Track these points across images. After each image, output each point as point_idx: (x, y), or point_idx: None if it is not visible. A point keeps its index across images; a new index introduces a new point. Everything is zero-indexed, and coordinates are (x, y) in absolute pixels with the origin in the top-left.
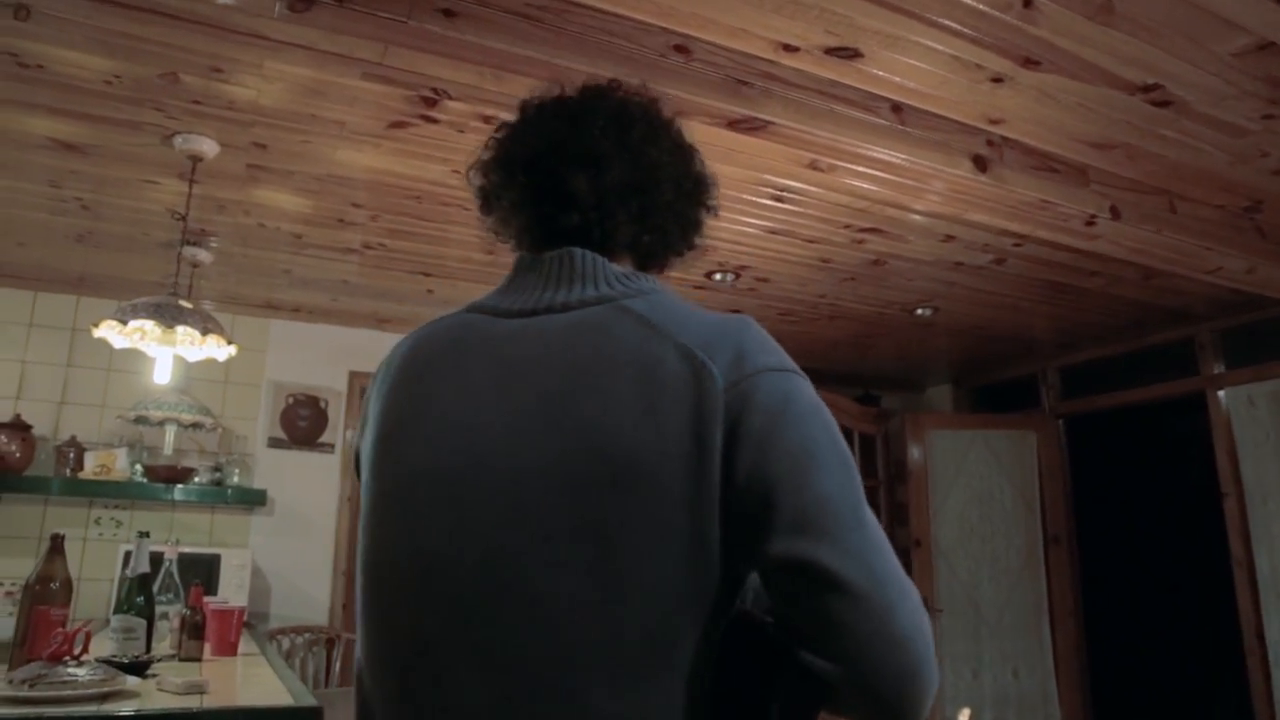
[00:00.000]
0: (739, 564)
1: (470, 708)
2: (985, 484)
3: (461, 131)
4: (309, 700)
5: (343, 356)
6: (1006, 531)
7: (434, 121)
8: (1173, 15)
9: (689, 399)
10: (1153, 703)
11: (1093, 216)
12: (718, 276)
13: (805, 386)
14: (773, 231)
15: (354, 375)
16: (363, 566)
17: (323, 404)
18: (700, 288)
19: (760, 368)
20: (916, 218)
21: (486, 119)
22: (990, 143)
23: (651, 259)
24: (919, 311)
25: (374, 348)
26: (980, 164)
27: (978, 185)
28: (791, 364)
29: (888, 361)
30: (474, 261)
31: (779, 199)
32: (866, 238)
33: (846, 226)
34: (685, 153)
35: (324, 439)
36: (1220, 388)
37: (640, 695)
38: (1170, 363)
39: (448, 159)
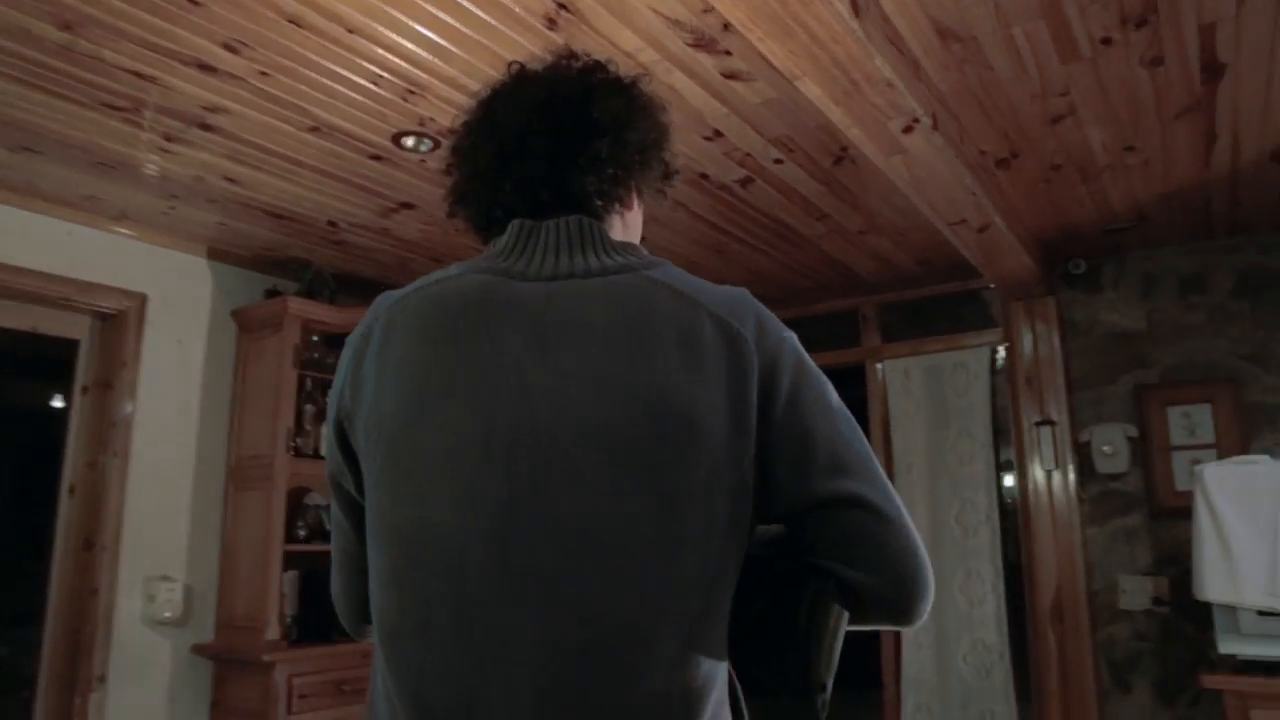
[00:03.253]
0: (774, 504)
1: (554, 666)
2: None
3: None
4: None
5: None
6: None
7: None
8: None
9: (727, 359)
10: None
11: (915, 121)
12: (409, 142)
13: (801, 346)
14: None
15: None
16: (399, 532)
17: None
18: (377, 157)
19: (781, 333)
20: (688, 84)
21: None
22: None
23: (615, 211)
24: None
25: None
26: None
27: (839, 34)
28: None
29: None
30: None
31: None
32: None
33: None
34: (640, 108)
35: None
36: (879, 360)
37: (700, 634)
38: (839, 333)
39: None
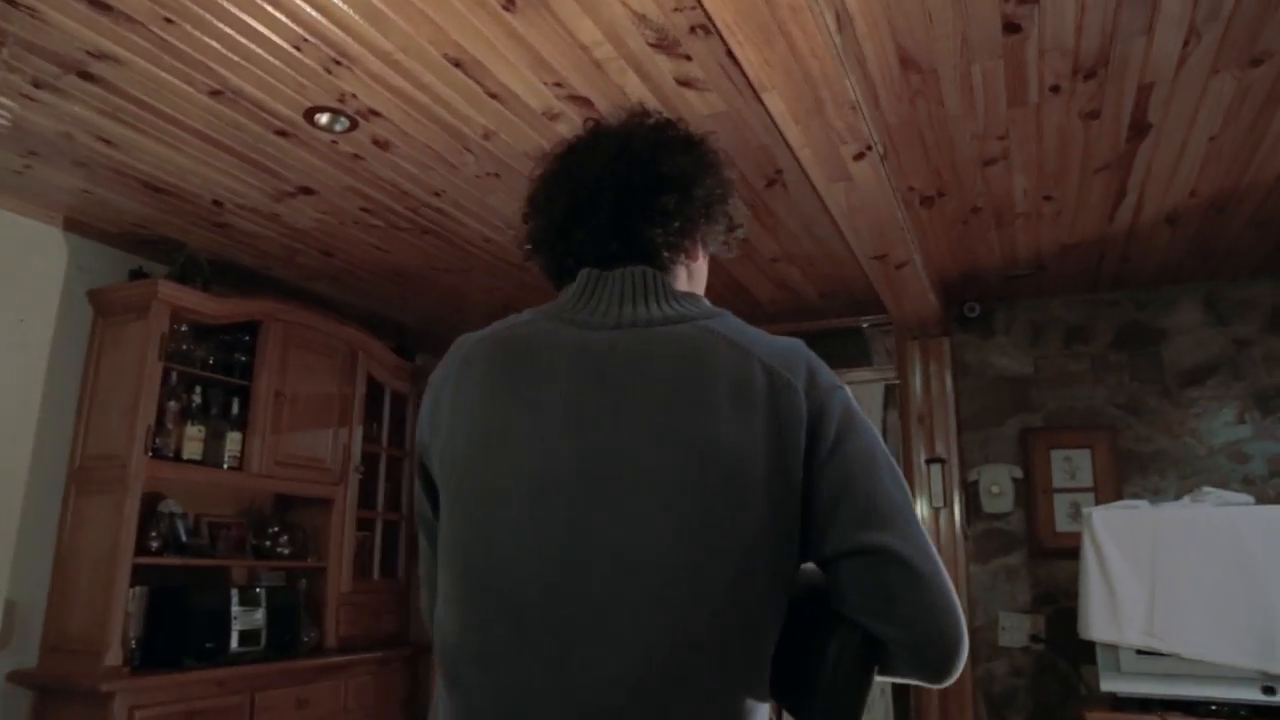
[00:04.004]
0: (811, 551)
1: (602, 695)
2: None
3: None
4: None
5: None
6: None
7: None
8: None
9: (777, 408)
10: None
11: (867, 149)
12: (323, 119)
13: (853, 400)
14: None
15: None
16: (471, 558)
17: None
18: (284, 132)
19: (831, 385)
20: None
21: None
22: None
23: (680, 264)
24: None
25: None
26: None
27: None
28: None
29: (434, 308)
30: None
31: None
32: (563, 108)
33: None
34: (707, 164)
35: None
36: None
37: (740, 673)
38: None
39: None
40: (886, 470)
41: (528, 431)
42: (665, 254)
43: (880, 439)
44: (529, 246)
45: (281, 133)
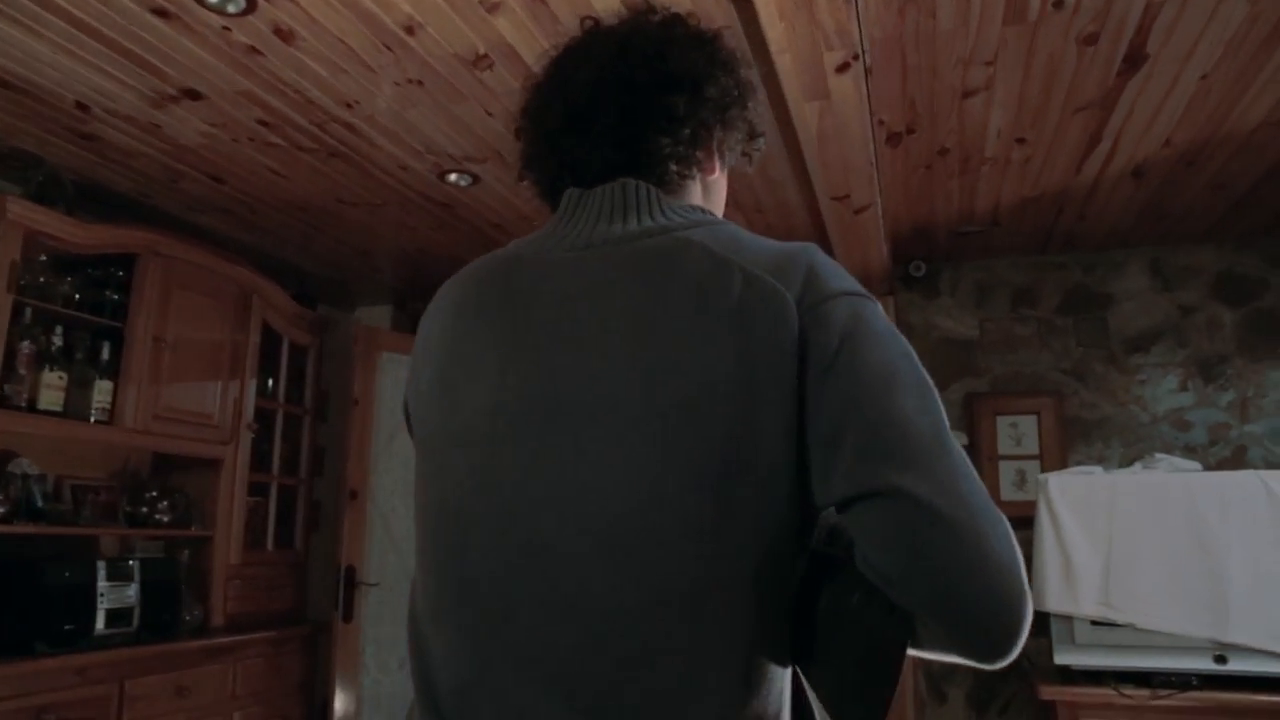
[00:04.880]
0: (818, 495)
1: (554, 649)
2: None
3: None
4: None
5: None
6: None
7: None
8: None
9: (754, 321)
10: None
11: (854, 58)
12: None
13: (879, 311)
14: None
15: None
16: (430, 508)
17: None
18: (163, 12)
19: (836, 291)
20: None
21: None
22: None
23: (692, 169)
24: (452, 178)
25: None
26: None
27: None
28: (864, 290)
29: (339, 251)
30: None
31: None
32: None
33: None
34: (720, 61)
35: None
36: None
37: (731, 635)
38: None
39: None
40: (910, 390)
41: (478, 373)
42: (674, 166)
43: (911, 356)
44: (522, 164)
45: (161, 12)
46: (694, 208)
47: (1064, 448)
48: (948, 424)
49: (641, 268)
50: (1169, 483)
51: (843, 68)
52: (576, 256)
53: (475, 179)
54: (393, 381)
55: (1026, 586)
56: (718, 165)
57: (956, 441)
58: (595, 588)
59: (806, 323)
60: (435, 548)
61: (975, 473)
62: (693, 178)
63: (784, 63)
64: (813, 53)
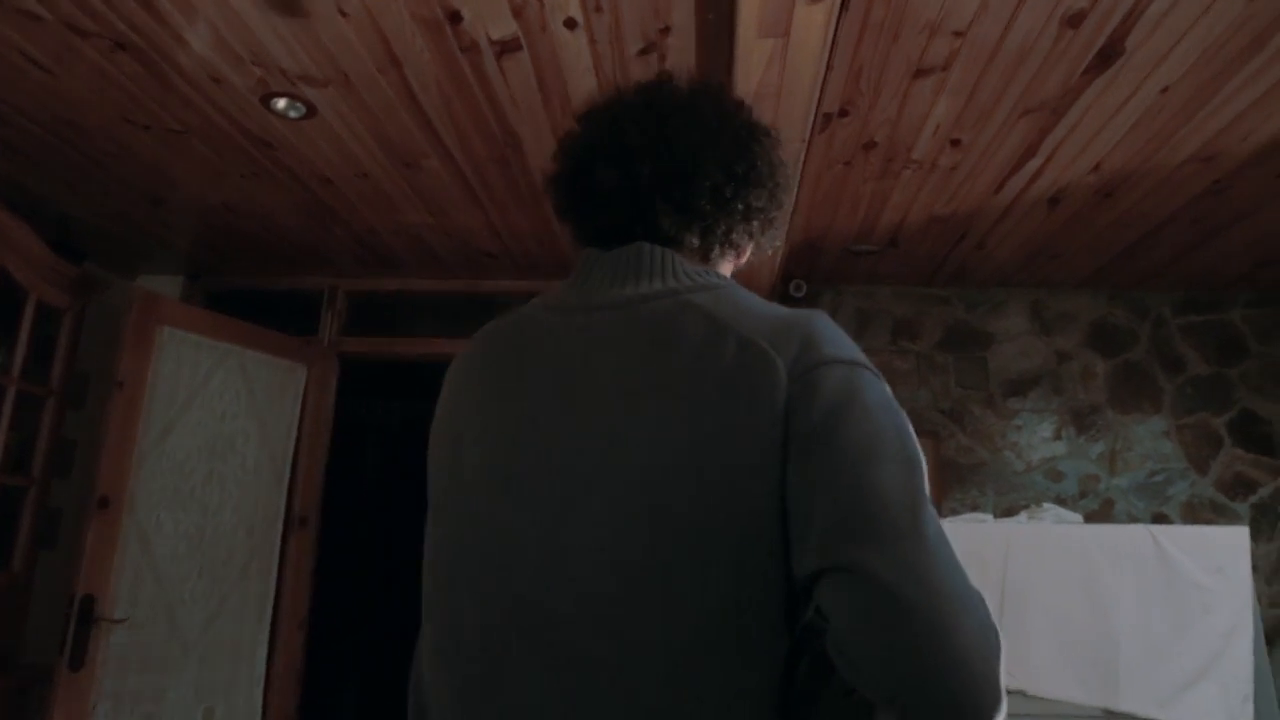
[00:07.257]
0: (794, 566)
1: (542, 710)
2: (228, 427)
3: None
4: None
5: None
6: (241, 502)
7: None
8: None
9: (751, 391)
10: None
11: None
12: None
13: (876, 383)
14: None
15: None
16: (435, 565)
17: None
18: None
19: (827, 359)
20: None
21: None
22: None
23: (714, 251)
24: (280, 104)
25: None
26: None
27: None
28: (864, 359)
29: (121, 193)
30: None
31: None
32: None
33: None
34: (742, 136)
35: None
36: None
37: (713, 693)
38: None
39: None
40: (890, 463)
41: (480, 432)
42: (695, 239)
43: (902, 430)
44: (555, 204)
45: None
46: (706, 270)
47: (940, 492)
48: (929, 503)
49: (642, 331)
50: (1064, 535)
51: None
52: (584, 318)
53: (310, 110)
54: (174, 364)
55: (997, 682)
56: (747, 249)
57: (935, 520)
58: (581, 648)
59: (795, 389)
60: (434, 605)
61: (953, 553)
62: (726, 257)
63: None
64: None
